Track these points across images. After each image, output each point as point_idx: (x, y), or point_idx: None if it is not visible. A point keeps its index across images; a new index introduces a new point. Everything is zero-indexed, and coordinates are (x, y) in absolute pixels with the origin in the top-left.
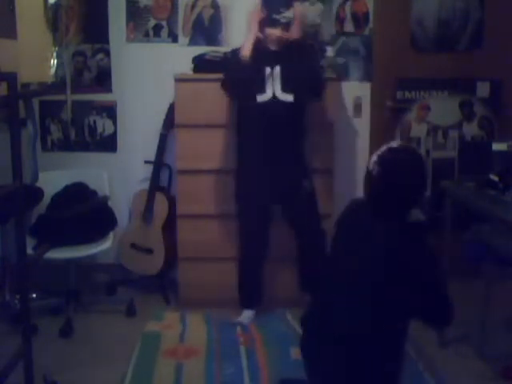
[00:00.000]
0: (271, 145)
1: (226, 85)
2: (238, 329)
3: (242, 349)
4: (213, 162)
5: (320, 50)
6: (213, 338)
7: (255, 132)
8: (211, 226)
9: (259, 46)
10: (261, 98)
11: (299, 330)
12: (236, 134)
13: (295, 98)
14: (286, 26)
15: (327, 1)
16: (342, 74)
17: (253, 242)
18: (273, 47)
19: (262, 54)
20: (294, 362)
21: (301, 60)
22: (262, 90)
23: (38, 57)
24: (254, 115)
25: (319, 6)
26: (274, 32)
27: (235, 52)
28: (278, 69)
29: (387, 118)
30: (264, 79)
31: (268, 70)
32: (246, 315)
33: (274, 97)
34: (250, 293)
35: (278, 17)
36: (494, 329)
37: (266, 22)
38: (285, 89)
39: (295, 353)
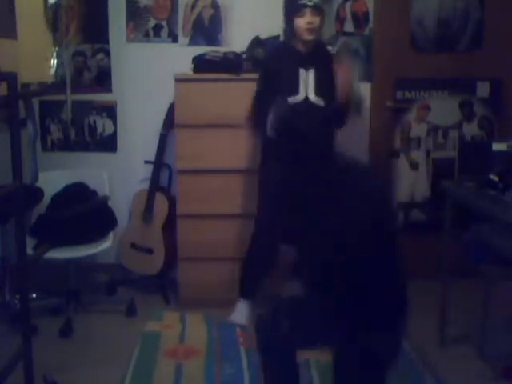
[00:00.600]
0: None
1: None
2: (238, 329)
3: (242, 349)
4: (213, 162)
5: None
6: (213, 338)
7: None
8: (211, 225)
9: (290, 49)
10: (293, 100)
11: None
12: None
13: (326, 104)
14: (315, 10)
15: (327, 1)
16: None
17: (266, 242)
18: (302, 49)
19: (296, 56)
20: None
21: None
22: (296, 92)
23: (38, 57)
24: None
25: None
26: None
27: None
28: (312, 72)
29: (387, 118)
30: (298, 80)
31: (302, 71)
32: (241, 310)
33: (307, 99)
34: (254, 281)
35: (304, 1)
36: (493, 329)
37: (294, 9)
38: (318, 93)
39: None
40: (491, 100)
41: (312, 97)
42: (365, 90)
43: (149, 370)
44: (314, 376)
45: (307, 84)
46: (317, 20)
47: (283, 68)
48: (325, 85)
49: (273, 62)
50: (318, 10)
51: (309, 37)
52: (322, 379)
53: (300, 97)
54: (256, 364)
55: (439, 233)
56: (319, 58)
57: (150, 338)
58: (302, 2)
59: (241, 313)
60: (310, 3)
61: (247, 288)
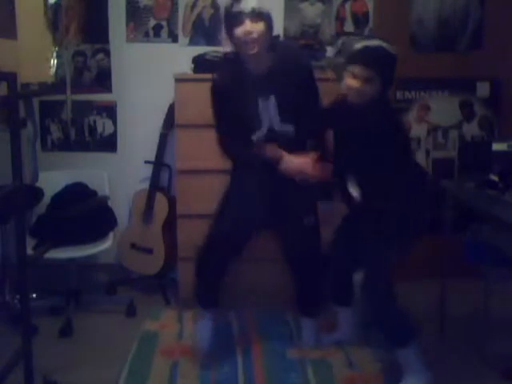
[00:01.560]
0: (269, 178)
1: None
2: (236, 328)
3: (238, 348)
4: (213, 162)
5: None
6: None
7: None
8: None
9: (242, 72)
10: (256, 136)
11: (296, 331)
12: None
13: (296, 129)
14: (254, 16)
15: (327, 1)
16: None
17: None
18: (256, 69)
19: (250, 81)
20: (289, 363)
21: (296, 86)
22: (258, 126)
23: (38, 57)
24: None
25: (319, 6)
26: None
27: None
28: (272, 99)
29: None
30: (257, 113)
31: (261, 101)
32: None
33: (271, 130)
34: (208, 286)
35: (239, 9)
36: (494, 329)
37: (232, 19)
38: (284, 119)
39: (291, 353)
40: (491, 100)
41: (278, 127)
42: None
43: (144, 368)
44: (309, 374)
45: (270, 114)
46: (258, 27)
47: (238, 97)
48: (292, 106)
49: (225, 89)
50: (258, 15)
51: (251, 51)
52: (317, 377)
53: (263, 131)
54: (251, 364)
55: (439, 233)
56: (279, 75)
57: (148, 337)
58: (236, 9)
59: (204, 326)
60: (246, 9)
61: (204, 294)
